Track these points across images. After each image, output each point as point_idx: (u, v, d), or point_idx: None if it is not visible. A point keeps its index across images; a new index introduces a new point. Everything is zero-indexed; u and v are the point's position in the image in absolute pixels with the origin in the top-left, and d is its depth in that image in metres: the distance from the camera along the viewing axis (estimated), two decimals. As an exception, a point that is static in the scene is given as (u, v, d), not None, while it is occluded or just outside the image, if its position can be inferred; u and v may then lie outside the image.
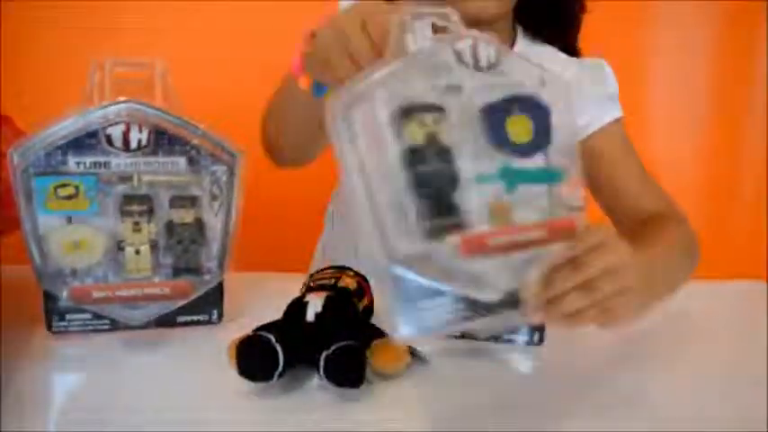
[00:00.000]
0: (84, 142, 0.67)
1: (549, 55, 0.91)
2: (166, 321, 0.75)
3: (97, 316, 0.74)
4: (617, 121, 0.89)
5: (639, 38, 1.62)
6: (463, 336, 0.76)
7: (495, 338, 0.76)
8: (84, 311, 0.73)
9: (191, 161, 0.70)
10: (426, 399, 0.67)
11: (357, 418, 0.63)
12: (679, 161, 1.62)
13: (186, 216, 0.71)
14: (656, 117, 1.61)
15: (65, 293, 0.70)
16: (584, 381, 0.72)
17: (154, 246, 0.72)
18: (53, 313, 0.73)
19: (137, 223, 0.70)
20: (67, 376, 0.70)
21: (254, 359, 0.64)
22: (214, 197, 0.72)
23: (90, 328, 0.74)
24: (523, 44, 0.91)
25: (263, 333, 0.66)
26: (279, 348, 0.64)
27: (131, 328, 0.74)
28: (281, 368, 0.64)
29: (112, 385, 0.68)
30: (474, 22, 0.80)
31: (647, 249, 0.73)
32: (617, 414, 0.66)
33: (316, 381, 0.67)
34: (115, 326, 0.74)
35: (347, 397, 0.65)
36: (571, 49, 0.93)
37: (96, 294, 0.71)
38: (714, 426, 0.64)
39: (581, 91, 0.84)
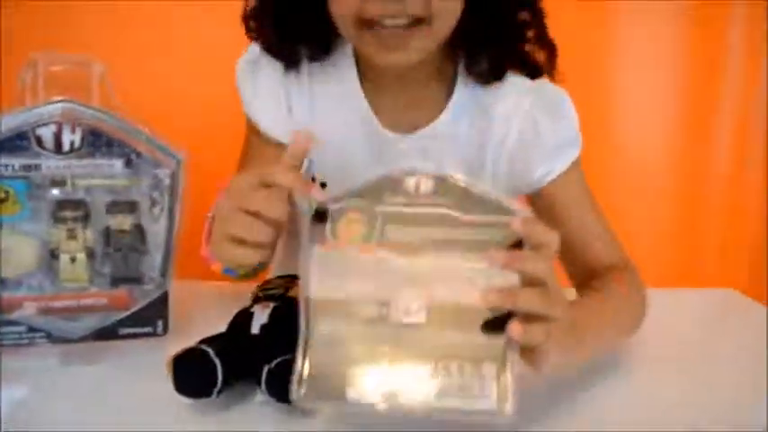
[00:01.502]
0: (13, 144, 0.63)
1: (494, 91, 0.82)
2: (107, 334, 0.71)
3: (32, 328, 0.69)
4: (574, 163, 0.82)
5: (609, 37, 1.60)
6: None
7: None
8: (18, 324, 0.69)
9: (129, 164, 0.66)
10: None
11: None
12: (650, 165, 1.59)
13: (124, 222, 0.67)
14: (627, 120, 1.59)
15: (-6, 304, 0.66)
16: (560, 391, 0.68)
17: (91, 254, 0.68)
18: (-16, 326, 0.68)
19: (71, 230, 0.66)
20: (2, 393, 0.66)
21: (192, 375, 0.60)
22: (154, 202, 0.68)
23: (25, 341, 0.70)
24: (464, 83, 0.83)
25: (203, 346, 0.62)
26: (218, 362, 0.60)
27: (70, 342, 0.70)
28: (219, 384, 0.60)
29: (49, 402, 0.64)
30: (393, 71, 0.78)
31: (583, 302, 0.73)
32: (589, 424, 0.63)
33: (259, 396, 0.63)
34: (52, 339, 0.70)
35: (290, 413, 0.61)
36: (530, 68, 0.83)
37: (28, 305, 0.67)
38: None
39: (538, 138, 0.81)
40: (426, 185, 0.55)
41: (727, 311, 0.88)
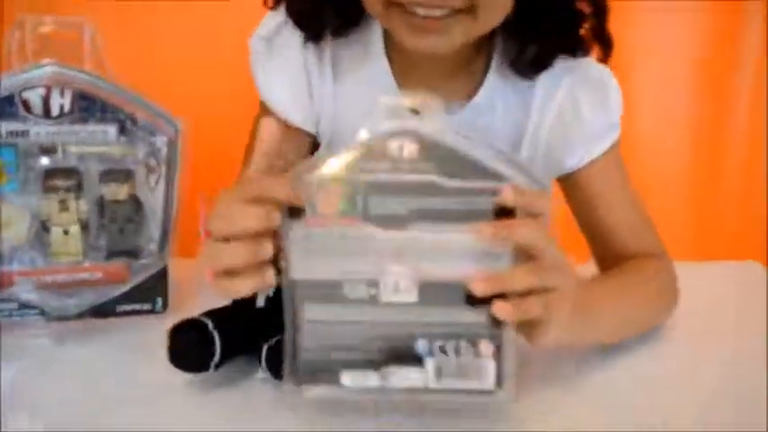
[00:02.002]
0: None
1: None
2: (104, 311, 0.68)
3: (25, 305, 0.66)
4: (612, 146, 0.76)
5: (622, 22, 1.55)
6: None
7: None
8: (10, 300, 0.65)
9: (123, 131, 0.63)
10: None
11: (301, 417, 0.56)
12: (666, 143, 1.55)
13: (119, 192, 0.64)
14: (643, 100, 1.54)
15: (-16, 279, 0.63)
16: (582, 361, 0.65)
17: (84, 226, 0.64)
18: (-26, 303, 0.65)
19: (63, 201, 0.63)
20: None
21: (188, 347, 0.57)
22: (151, 171, 0.64)
23: (17, 318, 0.66)
24: (500, 63, 0.76)
25: (202, 318, 0.59)
26: (216, 335, 0.57)
27: (64, 319, 0.67)
28: (217, 358, 0.57)
29: (43, 382, 0.61)
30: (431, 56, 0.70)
31: (601, 279, 0.69)
32: (611, 398, 0.60)
33: (260, 373, 0.60)
34: (46, 316, 0.66)
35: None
36: (571, 48, 0.75)
37: (20, 280, 0.63)
38: (712, 407, 0.60)
39: (578, 121, 0.75)
40: (411, 149, 0.51)
41: (749, 283, 0.84)
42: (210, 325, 0.58)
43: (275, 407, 0.58)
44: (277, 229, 0.51)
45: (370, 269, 0.52)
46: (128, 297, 0.68)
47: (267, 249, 0.51)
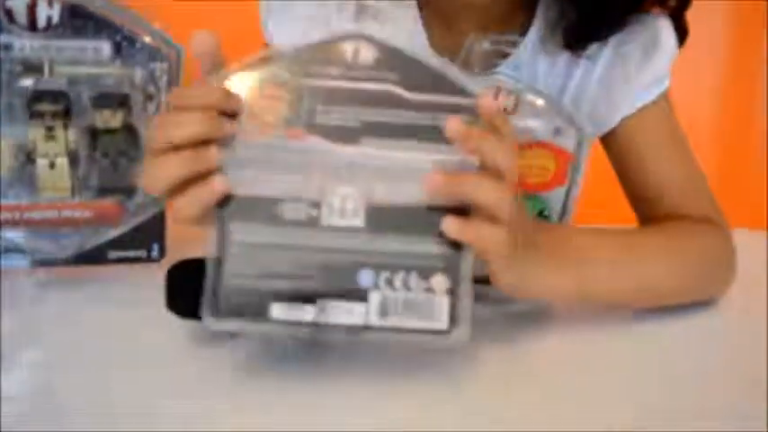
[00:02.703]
0: (-22, 20, 0.53)
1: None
2: (95, 257, 0.61)
3: (9, 249, 0.59)
4: (660, 97, 0.68)
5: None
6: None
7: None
8: (-9, 242, 0.59)
9: (119, 51, 0.56)
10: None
11: (312, 386, 0.50)
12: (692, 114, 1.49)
13: (113, 120, 0.57)
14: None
15: (-38, 215, 0.56)
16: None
17: (74, 159, 0.57)
18: (-48, 244, 0.59)
19: (50, 128, 0.56)
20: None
21: (186, 290, 0.50)
22: (149, 98, 0.57)
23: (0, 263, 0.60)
24: (545, 17, 0.68)
25: (204, 258, 0.51)
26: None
27: (50, 265, 0.60)
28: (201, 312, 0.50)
29: (28, 335, 0.55)
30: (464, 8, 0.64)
31: (611, 233, 0.60)
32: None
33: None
34: (30, 261, 0.60)
35: (301, 345, 0.52)
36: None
37: (2, 216, 0.57)
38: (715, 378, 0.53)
39: (626, 76, 0.66)
40: (367, 55, 0.45)
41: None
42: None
43: (283, 364, 0.51)
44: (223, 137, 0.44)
45: (313, 187, 0.45)
46: (121, 242, 0.61)
47: (211, 155, 0.44)
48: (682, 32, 0.67)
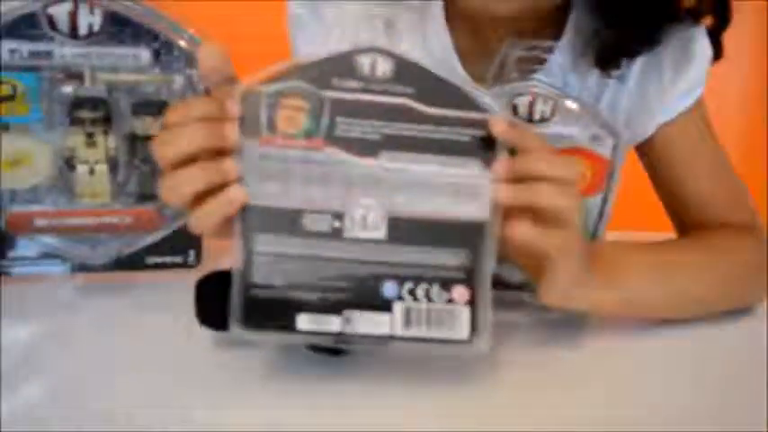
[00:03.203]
0: (20, 28, 0.53)
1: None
2: (132, 263, 0.61)
3: (45, 254, 0.60)
4: (695, 103, 0.67)
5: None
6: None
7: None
8: (28, 248, 0.59)
9: (158, 58, 0.56)
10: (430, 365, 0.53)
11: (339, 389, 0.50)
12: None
13: (153, 127, 0.57)
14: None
15: (1, 221, 0.56)
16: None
17: (113, 164, 0.58)
18: (-8, 249, 0.59)
19: (90, 134, 0.56)
20: (10, 330, 0.56)
21: (216, 302, 0.50)
22: (188, 105, 0.57)
23: (36, 269, 0.60)
24: (577, 27, 0.67)
25: (232, 270, 0.52)
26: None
27: (88, 270, 0.60)
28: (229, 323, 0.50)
29: (65, 340, 0.55)
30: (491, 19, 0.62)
31: (650, 245, 0.60)
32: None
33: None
34: (68, 267, 0.60)
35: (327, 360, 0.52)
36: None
37: (40, 222, 0.57)
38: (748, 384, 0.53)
39: (660, 85, 0.66)
40: (384, 68, 0.46)
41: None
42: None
43: (310, 371, 0.51)
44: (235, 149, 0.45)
45: (335, 199, 0.46)
46: (158, 248, 0.61)
47: (226, 166, 0.44)
48: (716, 51, 0.66)
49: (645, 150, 0.68)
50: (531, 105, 0.55)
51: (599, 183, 0.58)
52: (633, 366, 0.55)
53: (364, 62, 0.46)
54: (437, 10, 0.68)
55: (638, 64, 0.66)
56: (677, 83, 0.66)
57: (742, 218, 0.67)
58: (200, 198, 0.45)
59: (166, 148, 0.45)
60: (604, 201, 0.59)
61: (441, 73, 0.47)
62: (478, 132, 0.46)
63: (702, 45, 0.66)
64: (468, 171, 0.47)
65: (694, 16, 0.64)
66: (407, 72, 0.46)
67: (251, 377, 0.52)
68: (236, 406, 0.49)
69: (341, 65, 0.45)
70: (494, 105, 0.47)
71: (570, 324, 0.59)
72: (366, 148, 0.46)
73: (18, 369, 0.51)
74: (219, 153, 0.45)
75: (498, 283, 0.59)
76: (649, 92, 0.66)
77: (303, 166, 0.45)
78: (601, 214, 0.59)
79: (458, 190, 0.47)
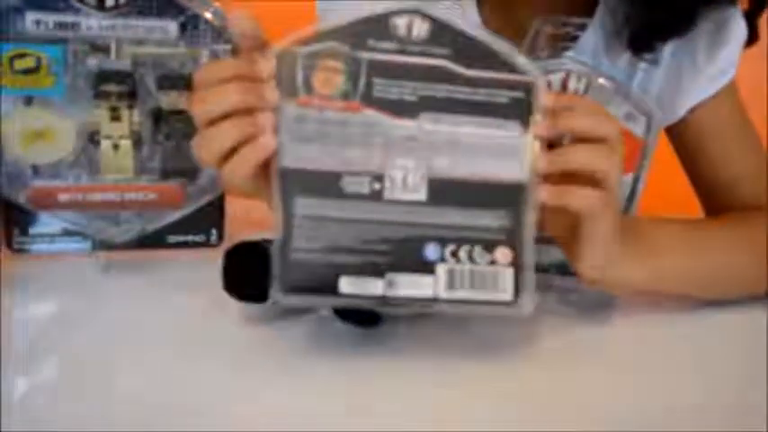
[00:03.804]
0: (46, -1, 0.52)
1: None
2: (154, 241, 0.60)
3: (68, 231, 0.59)
4: (727, 86, 0.66)
5: None
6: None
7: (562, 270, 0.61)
8: (50, 224, 0.58)
9: (184, 30, 0.55)
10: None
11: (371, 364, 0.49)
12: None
13: (179, 102, 0.56)
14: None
15: (23, 196, 0.56)
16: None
17: (137, 140, 0.57)
18: (13, 226, 0.58)
19: (115, 109, 0.55)
20: (31, 307, 0.56)
21: (245, 272, 0.49)
22: (214, 80, 0.56)
23: (59, 245, 0.59)
24: (609, 8, 0.66)
25: (262, 242, 0.51)
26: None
27: (110, 248, 0.60)
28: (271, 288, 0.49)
29: (87, 319, 0.54)
30: None
31: (677, 219, 0.59)
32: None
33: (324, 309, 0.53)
34: (89, 244, 0.59)
35: (358, 335, 0.51)
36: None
37: (63, 198, 0.56)
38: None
39: (694, 67, 0.65)
40: (421, 29, 0.45)
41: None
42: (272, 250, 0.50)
43: (340, 347, 0.51)
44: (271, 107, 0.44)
45: (375, 161, 0.45)
46: (180, 226, 0.60)
47: (261, 119, 0.44)
48: (752, 35, 0.65)
49: (676, 132, 0.67)
50: (565, 82, 0.54)
51: (631, 162, 0.57)
52: (662, 355, 0.54)
53: (400, 24, 0.45)
54: None
55: (671, 46, 0.65)
56: (710, 65, 0.65)
57: None
58: (231, 155, 0.45)
59: (203, 105, 0.45)
60: (636, 180, 0.58)
61: (477, 35, 0.46)
62: (517, 94, 0.46)
63: (737, 27, 0.65)
64: (507, 132, 0.46)
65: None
66: (444, 34, 0.45)
67: (278, 353, 0.51)
68: (263, 383, 0.48)
69: (377, 26, 0.45)
70: (531, 67, 0.47)
71: (597, 308, 0.58)
72: (404, 109, 0.45)
73: (40, 347, 0.51)
74: (257, 112, 0.45)
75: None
76: (682, 74, 0.65)
77: (341, 127, 0.45)
78: (632, 194, 0.58)
79: (497, 151, 0.46)
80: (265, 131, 0.44)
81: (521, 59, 0.47)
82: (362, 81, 0.45)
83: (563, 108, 0.47)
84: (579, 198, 0.47)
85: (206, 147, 0.45)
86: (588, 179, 0.47)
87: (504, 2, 0.66)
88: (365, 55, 0.45)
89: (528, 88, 0.47)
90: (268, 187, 0.46)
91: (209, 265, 0.55)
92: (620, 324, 0.57)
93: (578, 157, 0.47)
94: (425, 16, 0.45)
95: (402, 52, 0.45)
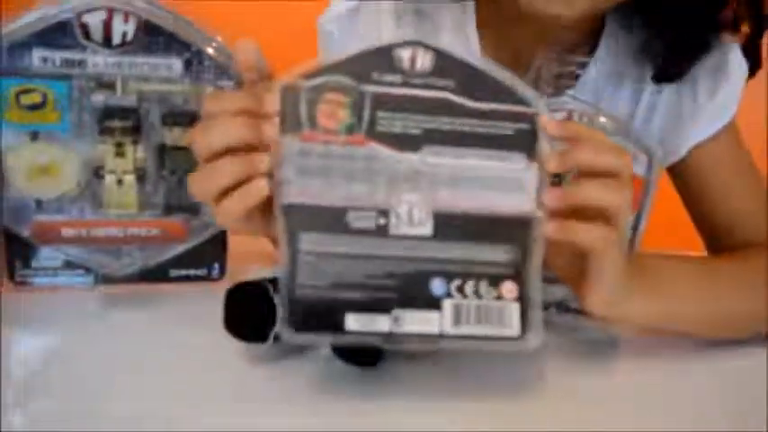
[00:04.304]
0: (53, 35, 0.53)
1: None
2: (156, 275, 0.60)
3: (70, 264, 0.59)
4: (728, 125, 0.67)
5: None
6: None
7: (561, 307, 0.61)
8: (53, 258, 0.58)
9: (189, 67, 0.55)
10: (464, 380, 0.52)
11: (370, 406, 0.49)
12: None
13: (182, 138, 0.56)
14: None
15: (27, 230, 0.56)
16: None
17: (141, 175, 0.57)
18: (16, 258, 0.58)
19: (120, 144, 0.56)
20: (32, 340, 0.56)
21: (245, 311, 0.49)
22: (218, 116, 0.57)
23: (61, 278, 0.59)
24: (612, 39, 0.67)
25: (263, 281, 0.51)
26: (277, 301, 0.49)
27: (113, 281, 0.60)
28: (278, 327, 0.49)
29: (87, 352, 0.55)
30: (543, 23, 0.61)
31: (684, 257, 0.60)
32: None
33: (326, 349, 0.53)
34: (92, 277, 0.59)
35: (359, 375, 0.51)
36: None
37: (66, 232, 0.56)
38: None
39: (695, 103, 0.66)
40: (424, 61, 0.45)
41: None
42: (273, 290, 0.50)
43: (342, 386, 0.50)
44: (272, 144, 0.44)
45: (380, 196, 0.45)
46: (182, 260, 0.60)
47: (260, 161, 0.44)
48: (755, 63, 0.66)
49: (677, 171, 0.67)
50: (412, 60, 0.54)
51: (633, 201, 0.57)
52: (663, 397, 0.54)
53: (404, 56, 0.45)
54: (469, 17, 0.68)
55: (673, 89, 0.66)
56: (711, 102, 0.65)
57: None
58: (228, 193, 0.45)
59: (204, 139, 0.45)
60: (638, 219, 0.58)
61: (481, 65, 0.46)
62: (522, 125, 0.46)
63: (736, 63, 0.66)
64: (512, 165, 0.46)
65: (732, 24, 0.63)
66: (448, 65, 0.45)
67: (279, 390, 0.51)
68: (265, 421, 0.48)
69: (380, 59, 0.45)
70: (535, 98, 0.46)
71: (600, 347, 0.58)
72: (408, 142, 0.45)
73: (39, 380, 0.50)
74: (258, 149, 0.45)
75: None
76: (683, 110, 0.66)
77: (345, 162, 0.45)
78: (634, 233, 0.58)
79: (503, 184, 0.46)
80: (261, 174, 0.44)
81: (525, 90, 0.47)
82: (366, 114, 0.45)
83: (570, 139, 0.47)
84: (587, 234, 0.46)
85: (202, 184, 0.46)
86: (596, 213, 0.47)
87: (505, 33, 0.67)
88: (369, 88, 0.45)
89: (533, 119, 0.47)
90: (265, 225, 0.46)
91: (211, 299, 0.55)
92: (621, 370, 0.57)
93: (589, 193, 0.46)
94: (428, 48, 0.46)
95: (406, 84, 0.45)
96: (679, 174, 0.67)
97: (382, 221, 0.45)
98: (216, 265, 0.62)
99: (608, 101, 0.66)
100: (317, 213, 0.45)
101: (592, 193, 0.46)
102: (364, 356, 0.50)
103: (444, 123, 0.46)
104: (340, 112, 0.45)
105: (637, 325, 0.56)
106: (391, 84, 0.45)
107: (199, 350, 0.55)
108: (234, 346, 0.53)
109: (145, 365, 0.53)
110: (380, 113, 0.45)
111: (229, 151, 0.45)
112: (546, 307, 0.60)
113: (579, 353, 0.58)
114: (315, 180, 0.45)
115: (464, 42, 0.68)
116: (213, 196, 0.45)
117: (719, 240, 0.67)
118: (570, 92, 0.60)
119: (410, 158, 0.45)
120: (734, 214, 0.66)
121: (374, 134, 0.45)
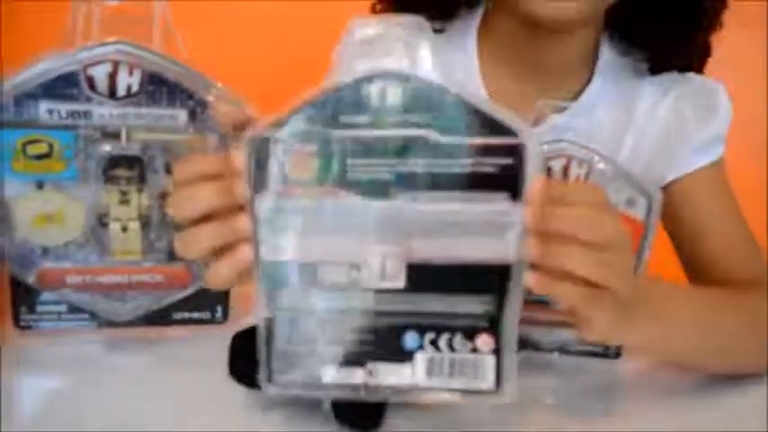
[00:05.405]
0: (60, 88, 0.54)
1: (638, 81, 0.71)
2: (160, 318, 0.61)
3: (75, 308, 0.60)
4: (716, 161, 0.70)
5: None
6: (524, 346, 0.61)
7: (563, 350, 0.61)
8: (58, 303, 0.59)
9: (193, 117, 0.56)
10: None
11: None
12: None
13: (186, 185, 0.57)
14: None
15: (32, 277, 0.56)
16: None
17: (145, 222, 0.58)
18: (20, 304, 0.59)
19: (124, 193, 0.56)
20: (37, 383, 0.56)
21: (249, 358, 0.49)
22: (221, 164, 0.58)
23: (66, 323, 0.60)
24: (609, 59, 0.71)
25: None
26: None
27: (116, 326, 0.60)
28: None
29: (92, 396, 0.55)
30: (550, 27, 0.63)
31: (678, 284, 0.61)
32: None
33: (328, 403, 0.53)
34: (96, 322, 0.60)
35: None
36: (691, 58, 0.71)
37: (71, 279, 0.57)
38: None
39: (683, 134, 0.68)
40: (395, 95, 0.42)
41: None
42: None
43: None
44: (246, 203, 0.43)
45: (352, 248, 0.44)
46: (186, 304, 0.61)
47: (237, 225, 0.43)
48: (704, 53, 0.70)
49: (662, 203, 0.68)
50: (566, 169, 0.55)
51: (633, 245, 0.57)
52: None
53: (373, 91, 0.42)
54: (470, 46, 0.71)
55: (664, 108, 0.69)
56: (700, 136, 0.68)
57: (755, 273, 0.67)
58: (216, 252, 0.45)
59: (178, 210, 0.45)
60: (638, 262, 0.58)
61: (457, 92, 0.42)
62: (504, 161, 0.42)
63: (725, 103, 0.68)
64: (493, 207, 0.43)
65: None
66: (420, 97, 0.42)
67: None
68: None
69: (349, 97, 0.42)
70: (520, 124, 0.42)
71: (602, 390, 0.59)
72: (379, 189, 0.43)
73: (43, 425, 0.51)
74: (234, 209, 0.44)
75: (527, 345, 0.60)
76: (671, 136, 0.68)
77: (316, 216, 0.44)
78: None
79: (482, 229, 0.43)
80: (243, 239, 0.44)
81: (508, 116, 0.42)
82: (336, 163, 0.43)
83: (557, 200, 0.43)
84: (571, 295, 0.44)
85: (186, 249, 0.45)
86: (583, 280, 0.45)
87: (504, 60, 0.69)
88: (337, 134, 0.43)
89: (519, 152, 0.42)
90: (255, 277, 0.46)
91: (216, 342, 0.55)
92: (623, 413, 0.57)
93: (573, 263, 0.43)
94: (399, 79, 0.42)
95: (377, 125, 0.43)
96: (664, 203, 0.68)
97: (355, 275, 0.44)
98: (219, 308, 0.62)
99: (605, 118, 0.69)
100: (292, 269, 0.44)
101: (578, 265, 0.43)
102: (363, 420, 0.50)
103: (417, 165, 0.43)
104: (310, 162, 0.43)
105: (634, 349, 0.56)
106: (361, 126, 0.43)
107: (202, 394, 0.55)
108: (238, 392, 0.53)
109: (148, 409, 0.53)
110: (350, 161, 0.43)
111: (207, 216, 0.44)
112: (550, 350, 0.61)
113: (582, 396, 0.58)
114: (287, 236, 0.44)
115: (459, 63, 0.69)
116: (201, 258, 0.45)
117: (702, 275, 0.68)
118: (568, 136, 0.61)
119: (382, 207, 0.43)
120: (717, 251, 0.67)
121: (345, 182, 0.43)
